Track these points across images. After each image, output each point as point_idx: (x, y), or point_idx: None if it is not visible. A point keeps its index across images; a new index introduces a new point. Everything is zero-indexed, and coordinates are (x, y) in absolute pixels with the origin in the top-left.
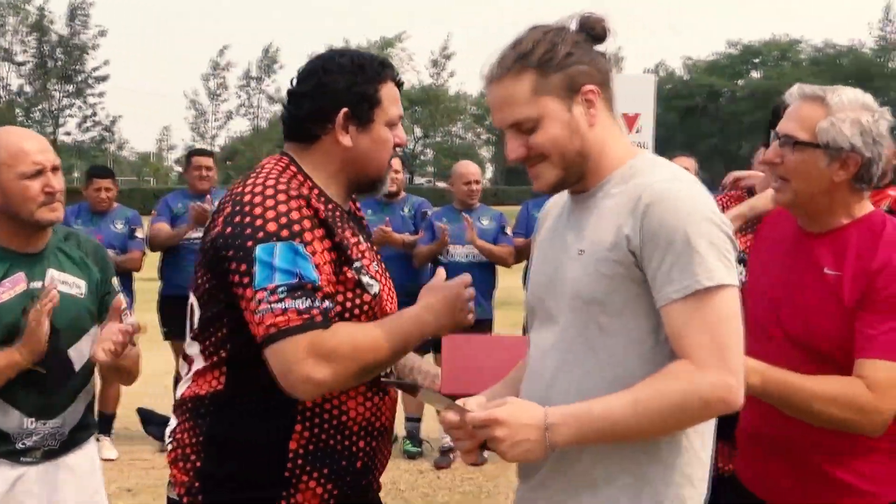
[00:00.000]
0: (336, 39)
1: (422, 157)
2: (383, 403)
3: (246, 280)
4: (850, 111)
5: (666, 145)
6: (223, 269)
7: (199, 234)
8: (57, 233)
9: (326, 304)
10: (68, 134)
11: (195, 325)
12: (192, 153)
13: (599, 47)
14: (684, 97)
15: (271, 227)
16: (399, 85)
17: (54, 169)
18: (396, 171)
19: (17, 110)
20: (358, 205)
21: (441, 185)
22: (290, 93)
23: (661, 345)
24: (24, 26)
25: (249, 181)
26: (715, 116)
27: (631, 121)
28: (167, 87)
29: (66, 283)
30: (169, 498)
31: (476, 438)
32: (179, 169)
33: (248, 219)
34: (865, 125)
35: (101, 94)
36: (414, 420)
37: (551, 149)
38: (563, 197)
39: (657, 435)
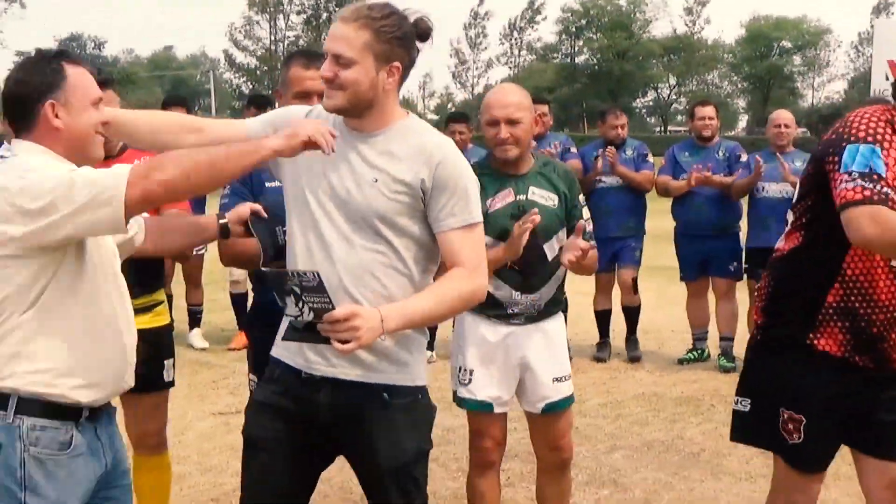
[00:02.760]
0: None
1: (676, 106)
2: None
3: (835, 167)
4: None
5: None
6: (824, 160)
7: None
8: (538, 160)
9: (886, 190)
10: None
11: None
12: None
13: (420, 44)
14: None
15: (861, 134)
16: None
17: (509, 122)
18: (710, 118)
19: None
20: None
21: None
22: None
23: (418, 263)
24: None
25: (856, 112)
26: None
27: None
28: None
29: (542, 196)
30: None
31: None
32: (436, 116)
33: (846, 128)
34: None
35: None
36: (728, 339)
37: (350, 86)
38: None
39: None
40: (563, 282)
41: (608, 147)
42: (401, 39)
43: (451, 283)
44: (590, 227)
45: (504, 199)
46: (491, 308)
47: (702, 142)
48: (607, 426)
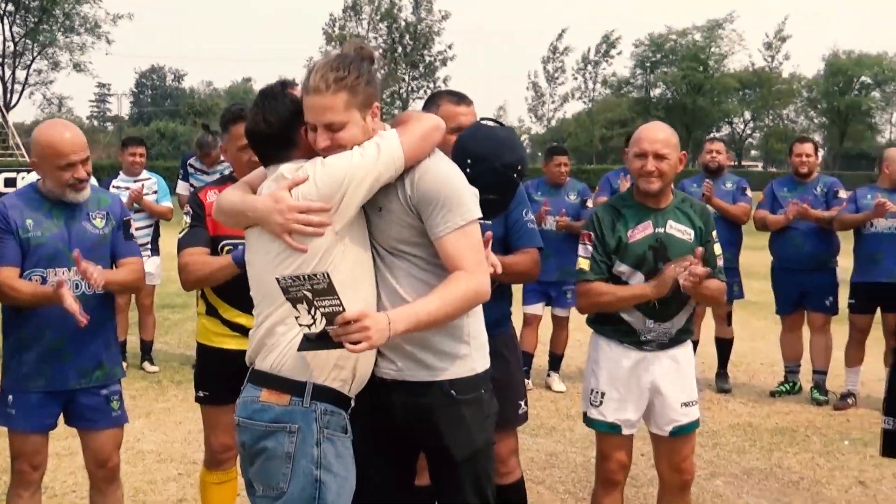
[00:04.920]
0: (659, 26)
1: (750, 141)
2: None
3: None
4: None
5: None
6: None
7: None
8: (677, 196)
9: None
10: None
11: None
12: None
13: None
14: None
15: None
16: None
17: (656, 156)
18: (808, 155)
19: None
20: None
21: (772, 170)
22: None
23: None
24: (377, 14)
25: None
26: None
27: None
28: (507, 68)
29: (679, 231)
30: None
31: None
32: None
33: None
34: None
35: (445, 79)
36: (821, 373)
37: (349, 143)
38: None
39: (453, 318)
40: (693, 312)
41: (705, 180)
42: (369, 82)
43: (455, 285)
44: (720, 262)
45: (643, 230)
46: (625, 335)
47: (800, 178)
48: (705, 454)
